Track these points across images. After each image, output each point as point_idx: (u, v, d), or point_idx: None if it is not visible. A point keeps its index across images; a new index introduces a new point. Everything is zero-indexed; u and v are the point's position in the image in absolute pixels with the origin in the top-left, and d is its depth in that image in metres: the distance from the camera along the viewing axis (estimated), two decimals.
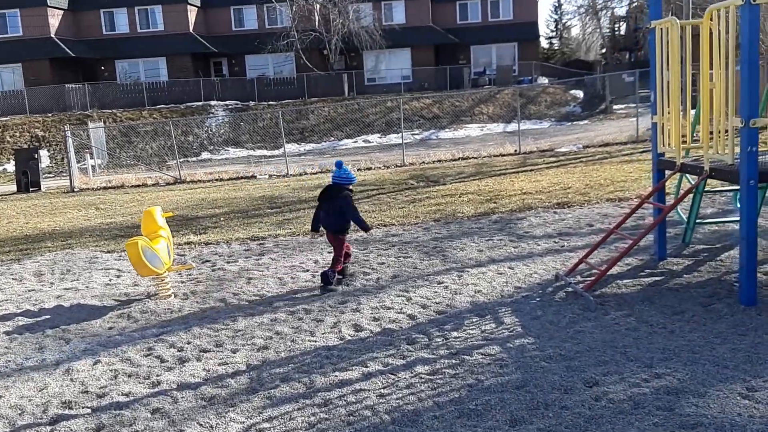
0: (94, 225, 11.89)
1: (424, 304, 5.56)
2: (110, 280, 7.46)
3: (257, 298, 6.21)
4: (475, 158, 19.03)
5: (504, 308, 5.28)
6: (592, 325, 4.76)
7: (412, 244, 7.96)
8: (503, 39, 43.14)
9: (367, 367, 4.28)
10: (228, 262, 7.81)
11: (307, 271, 7.06)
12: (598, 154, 16.82)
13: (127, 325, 5.70)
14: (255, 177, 19.87)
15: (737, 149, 4.75)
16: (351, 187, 6.64)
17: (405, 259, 7.24)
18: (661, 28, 5.72)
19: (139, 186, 20.22)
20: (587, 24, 62.46)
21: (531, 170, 14.60)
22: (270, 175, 19.91)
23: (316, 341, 4.87)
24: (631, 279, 5.76)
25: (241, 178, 19.87)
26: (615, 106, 34.54)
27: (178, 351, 4.93)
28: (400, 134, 21.81)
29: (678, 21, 5.44)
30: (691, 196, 6.43)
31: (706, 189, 6.57)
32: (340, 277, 6.57)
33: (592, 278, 5.64)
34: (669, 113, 5.68)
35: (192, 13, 41.33)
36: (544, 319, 4.96)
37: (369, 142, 32.09)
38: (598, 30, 61.42)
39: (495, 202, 10.44)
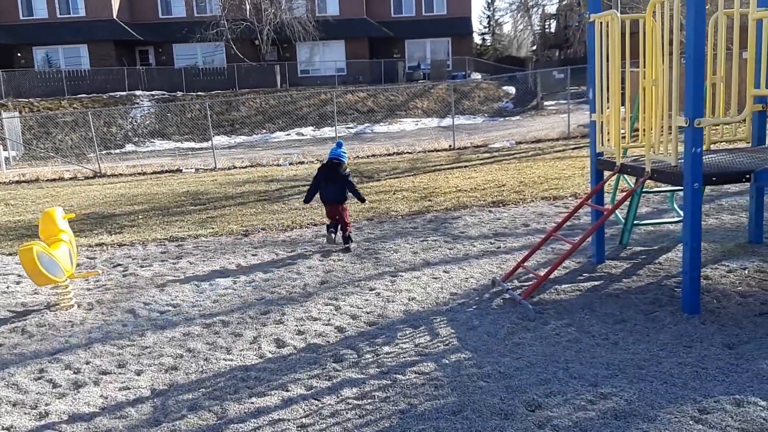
0: None
1: (354, 314, 5.14)
2: (8, 287, 6.70)
3: (170, 308, 5.64)
4: (410, 153, 18.75)
5: (439, 318, 4.92)
6: (531, 336, 4.46)
7: (341, 245, 7.53)
8: (437, 34, 43.13)
9: (288, 391, 3.82)
10: (141, 266, 7.16)
11: (228, 276, 6.52)
12: (530, 151, 16.83)
13: (20, 342, 5.04)
14: (180, 171, 18.97)
15: (681, 149, 4.54)
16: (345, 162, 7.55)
17: (335, 263, 6.80)
18: (601, 22, 5.49)
19: (55, 180, 18.97)
20: (519, 21, 63.46)
21: (465, 166, 14.41)
22: (197, 169, 19.05)
23: (232, 360, 4.38)
24: (570, 284, 5.51)
25: (166, 171, 18.93)
26: (546, 103, 35.09)
27: (74, 373, 4.34)
28: (334, 127, 21.31)
29: (619, 14, 5.20)
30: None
31: (643, 189, 6.41)
32: (332, 233, 7.43)
33: (531, 284, 5.36)
34: (608, 111, 5.46)
35: None
36: (482, 329, 4.62)
37: (302, 135, 31.40)
38: (529, 27, 62.55)
39: (430, 200, 10.13)
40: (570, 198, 9.34)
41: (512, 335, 4.49)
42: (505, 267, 6.17)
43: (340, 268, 6.53)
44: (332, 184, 7.38)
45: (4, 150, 23.56)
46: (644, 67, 5.08)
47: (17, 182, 18.84)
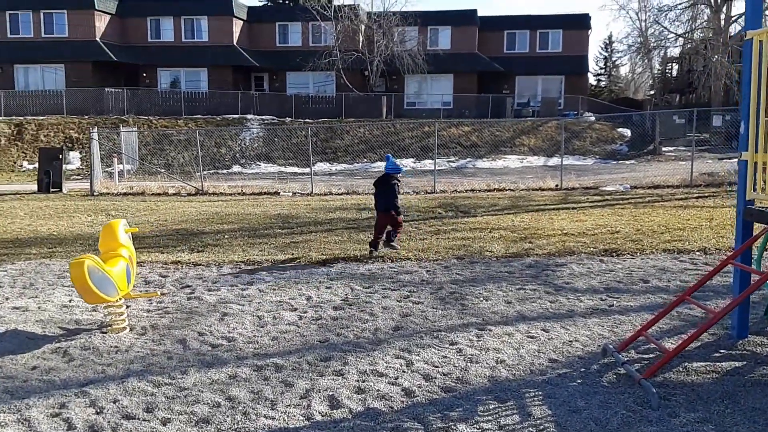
0: (93, 232, 10.92)
1: (428, 373, 4.27)
2: (70, 300, 6.35)
3: (224, 342, 5.00)
4: (512, 191, 17.69)
5: (533, 391, 3.96)
6: (654, 431, 3.42)
7: (427, 286, 6.68)
8: (550, 71, 41.80)
9: None
10: (209, 290, 6.64)
11: (295, 310, 5.83)
12: (647, 196, 15.32)
13: (56, 366, 4.54)
14: (278, 193, 18.87)
15: None
16: (399, 176, 8.53)
17: (414, 305, 5.96)
18: (761, 40, 4.42)
19: (159, 194, 19.41)
20: (637, 63, 60.64)
21: (573, 208, 13.20)
22: (294, 193, 18.89)
23: (274, 418, 3.63)
24: (704, 362, 4.38)
25: (264, 193, 18.89)
26: (664, 148, 32.86)
27: (96, 413, 3.74)
28: (434, 160, 20.61)
29: None
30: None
31: None
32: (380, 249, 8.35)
33: (655, 362, 4.28)
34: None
35: (237, 26, 41.09)
36: (587, 414, 3.62)
37: (403, 166, 30.96)
38: (649, 70, 59.60)
39: (530, 242, 9.11)
40: (698, 253, 8.02)
41: (628, 427, 3.47)
42: (618, 332, 5.10)
43: (418, 313, 5.69)
44: (382, 193, 8.37)
45: (119, 163, 24.61)
46: None
47: (124, 194, 19.42)
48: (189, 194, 19.35)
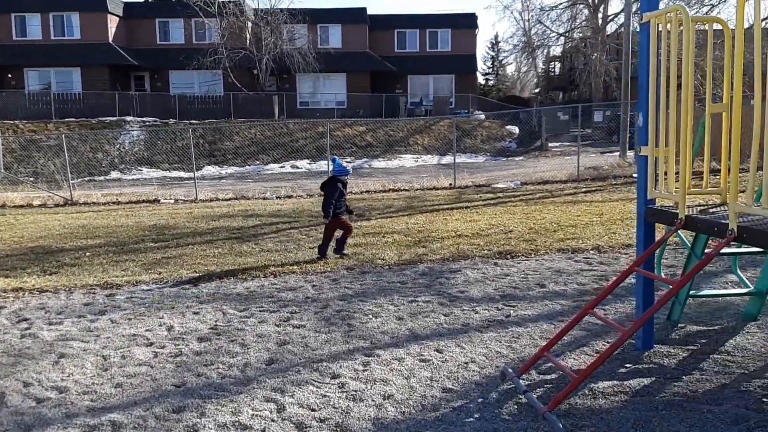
0: None
1: (302, 421, 3.56)
2: None
3: (54, 394, 4.06)
4: (407, 191, 17.31)
5: None
6: None
7: (311, 305, 5.98)
8: (441, 70, 42.16)
9: None
10: (50, 324, 5.60)
11: (151, 345, 4.94)
12: (538, 192, 15.37)
13: None
14: (158, 201, 17.48)
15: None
16: (345, 178, 8.17)
17: (295, 330, 5.23)
18: (659, 23, 4.05)
19: (23, 207, 17.49)
20: (522, 62, 62.56)
21: (467, 207, 12.92)
22: (176, 200, 17.57)
23: None
24: (610, 381, 3.95)
25: (142, 201, 17.45)
26: (550, 144, 33.91)
27: None
28: (328, 161, 19.91)
29: (689, 11, 3.76)
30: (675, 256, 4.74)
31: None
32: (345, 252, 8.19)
33: (559, 387, 3.80)
34: (669, 143, 3.98)
35: (113, 23, 38.45)
36: None
37: (297, 167, 30.06)
38: (534, 69, 61.72)
39: (424, 246, 8.61)
40: (592, 252, 7.80)
41: None
42: (516, 347, 4.61)
43: (298, 340, 4.96)
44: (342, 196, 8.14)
45: None
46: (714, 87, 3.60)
47: None
48: (57, 205, 17.57)
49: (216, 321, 5.52)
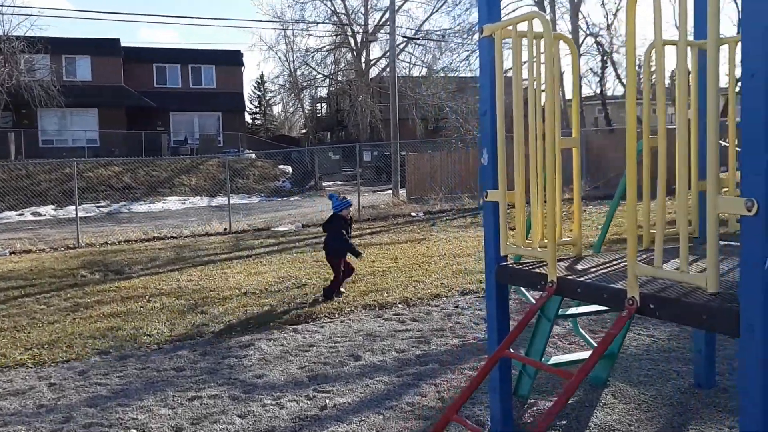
0: None
1: None
2: None
3: None
4: (175, 238, 15.31)
5: None
6: None
7: (44, 422, 4.17)
8: (206, 108, 40.21)
9: None
10: None
11: None
12: (322, 235, 14.46)
13: None
14: None
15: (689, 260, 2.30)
16: (345, 212, 7.70)
17: None
18: (494, 36, 3.24)
19: None
20: (289, 103, 62.78)
21: (248, 256, 11.51)
22: None
23: None
24: None
25: None
26: (324, 183, 33.89)
27: None
28: (76, 206, 16.97)
29: (548, 18, 2.99)
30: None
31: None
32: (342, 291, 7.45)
33: None
34: (521, 184, 3.15)
35: None
36: None
37: (40, 215, 25.87)
38: (301, 109, 62.21)
39: (203, 312, 7.07)
40: (401, 305, 6.93)
41: None
42: None
43: None
44: (334, 237, 7.68)
45: None
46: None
47: None
48: None
49: None
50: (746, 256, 2.09)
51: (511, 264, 3.42)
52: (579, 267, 3.23)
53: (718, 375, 4.14)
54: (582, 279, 2.94)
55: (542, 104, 3.12)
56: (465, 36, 36.06)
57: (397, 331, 5.94)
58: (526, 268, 3.31)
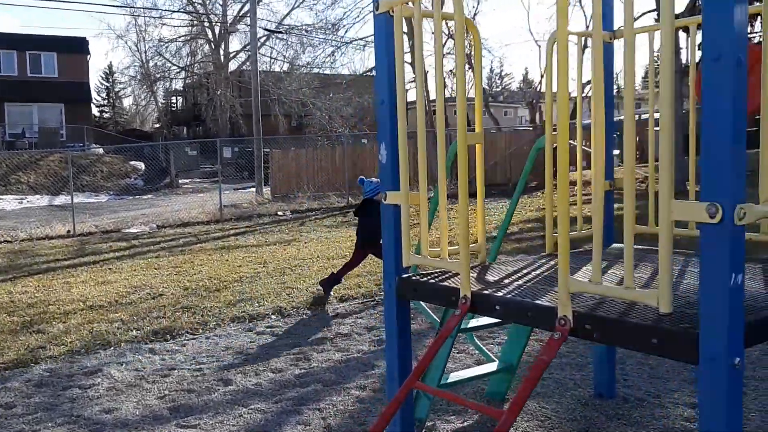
0: None
1: None
2: None
3: None
4: (10, 242, 13.54)
5: None
6: None
7: None
8: (47, 98, 36.60)
9: None
10: None
11: None
12: (180, 237, 13.42)
13: None
14: None
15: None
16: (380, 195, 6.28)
17: None
18: (392, 12, 2.81)
19: None
20: (141, 95, 58.85)
21: (95, 262, 10.30)
22: None
23: None
24: None
25: None
26: (180, 180, 32.08)
27: None
28: None
29: None
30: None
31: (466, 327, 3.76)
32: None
33: None
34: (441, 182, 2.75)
35: None
36: None
37: None
38: (154, 102, 58.59)
39: (40, 331, 6.05)
40: (275, 317, 6.32)
41: None
42: None
43: None
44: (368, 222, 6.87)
45: None
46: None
47: None
48: None
49: None
50: (707, 272, 1.80)
51: (414, 276, 3.00)
52: (489, 278, 2.88)
53: (616, 382, 4.00)
54: (500, 294, 2.57)
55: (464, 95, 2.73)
56: (328, 32, 35.59)
57: (272, 347, 5.35)
58: (432, 280, 2.90)
